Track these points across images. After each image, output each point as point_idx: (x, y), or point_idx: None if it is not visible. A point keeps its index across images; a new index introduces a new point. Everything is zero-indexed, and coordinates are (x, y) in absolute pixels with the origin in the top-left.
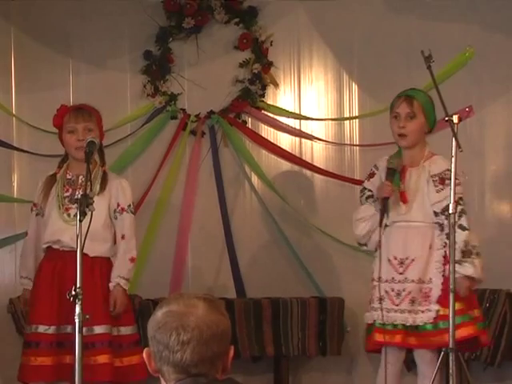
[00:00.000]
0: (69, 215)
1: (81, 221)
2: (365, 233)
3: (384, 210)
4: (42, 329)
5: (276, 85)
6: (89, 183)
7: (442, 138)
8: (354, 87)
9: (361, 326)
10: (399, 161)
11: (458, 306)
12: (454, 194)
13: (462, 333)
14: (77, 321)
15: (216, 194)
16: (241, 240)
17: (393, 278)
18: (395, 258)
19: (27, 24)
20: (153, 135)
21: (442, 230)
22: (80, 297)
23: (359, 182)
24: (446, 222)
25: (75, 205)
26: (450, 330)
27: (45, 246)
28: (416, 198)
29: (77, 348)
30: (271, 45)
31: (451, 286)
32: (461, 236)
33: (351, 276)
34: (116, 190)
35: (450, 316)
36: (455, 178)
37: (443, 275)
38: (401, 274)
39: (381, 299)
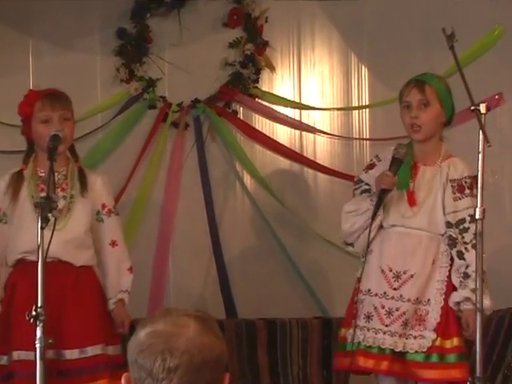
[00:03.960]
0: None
1: (43, 228)
2: (354, 229)
3: (379, 204)
4: (23, 355)
5: (272, 68)
6: (52, 184)
7: (466, 131)
8: (364, 71)
9: None
10: (408, 150)
11: (457, 340)
12: (482, 197)
13: (455, 374)
14: (38, 346)
15: (202, 196)
16: (231, 250)
17: (385, 293)
18: (390, 270)
19: None
20: (128, 127)
21: (453, 245)
22: (42, 318)
23: None
24: (459, 236)
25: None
26: (477, 355)
27: (18, 257)
28: (426, 202)
29: (38, 378)
30: (266, 21)
31: (478, 305)
32: (469, 257)
33: None
34: (99, 187)
35: (477, 340)
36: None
37: (444, 298)
38: (395, 289)
39: (368, 317)
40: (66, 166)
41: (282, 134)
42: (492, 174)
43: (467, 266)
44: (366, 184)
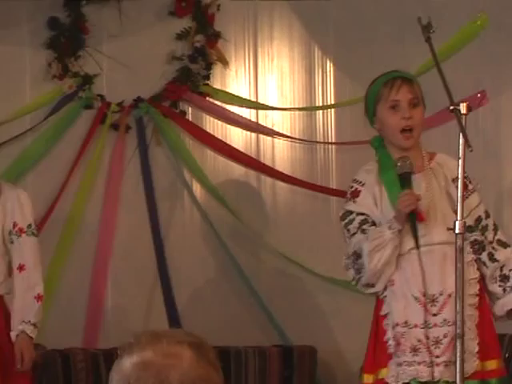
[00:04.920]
0: None
1: None
2: (381, 265)
3: (415, 229)
4: None
5: (225, 63)
6: None
7: (444, 133)
8: (329, 66)
9: (338, 382)
10: (411, 160)
11: (496, 362)
12: (462, 208)
13: None
14: None
15: (145, 208)
16: (178, 270)
17: (425, 322)
18: (423, 295)
19: None
20: (61, 130)
21: (482, 249)
22: None
23: (336, 193)
24: (482, 237)
25: None
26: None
27: None
28: (436, 212)
29: None
30: (218, 10)
31: (458, 331)
32: (505, 254)
33: (326, 318)
34: (12, 204)
35: (458, 372)
36: (464, 187)
37: (479, 315)
38: (435, 315)
39: (415, 349)
40: None
41: (237, 138)
42: (474, 183)
43: (502, 267)
44: (360, 214)
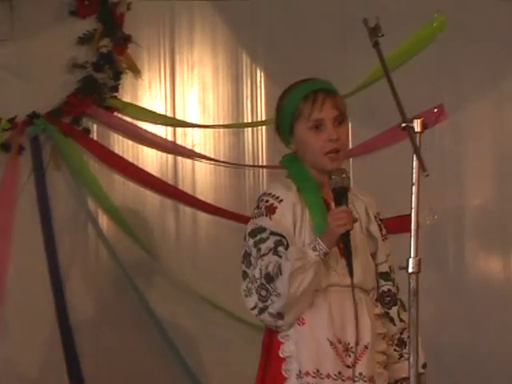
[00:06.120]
0: None
1: None
2: (301, 290)
3: (350, 253)
4: None
5: (137, 72)
6: None
7: (395, 155)
8: (259, 76)
9: None
10: (347, 174)
11: None
12: (417, 244)
13: None
14: None
15: (42, 243)
16: (81, 318)
17: (339, 373)
18: (339, 342)
19: None
20: None
21: (394, 303)
22: None
23: None
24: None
25: None
26: None
27: None
28: (354, 250)
29: None
30: (129, 9)
31: None
32: (407, 317)
33: None
34: None
35: None
36: (417, 223)
37: (387, 375)
38: (349, 367)
39: None
40: None
41: (151, 160)
42: (430, 213)
43: (403, 331)
44: (276, 234)
